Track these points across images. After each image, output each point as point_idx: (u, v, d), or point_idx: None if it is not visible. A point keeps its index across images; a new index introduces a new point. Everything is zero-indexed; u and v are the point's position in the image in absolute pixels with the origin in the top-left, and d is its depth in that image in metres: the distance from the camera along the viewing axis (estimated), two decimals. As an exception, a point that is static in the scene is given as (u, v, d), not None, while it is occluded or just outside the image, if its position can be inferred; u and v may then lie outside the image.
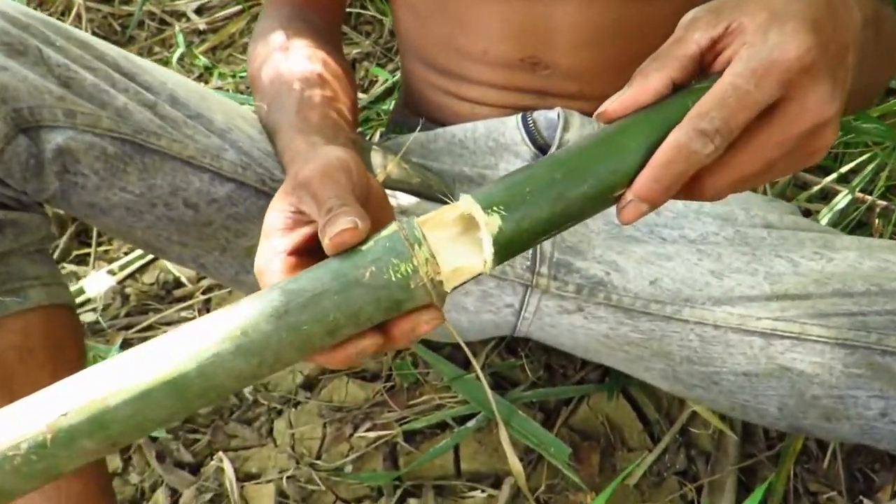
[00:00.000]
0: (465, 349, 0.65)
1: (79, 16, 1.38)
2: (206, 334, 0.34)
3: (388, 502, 0.72)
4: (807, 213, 0.86)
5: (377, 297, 0.34)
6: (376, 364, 0.83)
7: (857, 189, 0.84)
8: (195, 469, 0.77)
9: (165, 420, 0.35)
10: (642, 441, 0.75)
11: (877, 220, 0.83)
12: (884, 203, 0.84)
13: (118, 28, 1.41)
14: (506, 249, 0.35)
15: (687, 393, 0.63)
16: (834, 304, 0.54)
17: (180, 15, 1.41)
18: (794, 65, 0.33)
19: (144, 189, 0.53)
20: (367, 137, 1.04)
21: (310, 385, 0.83)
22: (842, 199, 0.82)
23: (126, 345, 0.87)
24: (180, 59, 1.30)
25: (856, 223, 0.83)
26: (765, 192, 0.87)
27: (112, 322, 0.90)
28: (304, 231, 0.40)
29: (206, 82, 1.25)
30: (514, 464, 0.68)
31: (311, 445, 0.77)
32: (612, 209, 0.37)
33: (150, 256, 0.97)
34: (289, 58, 0.61)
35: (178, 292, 0.94)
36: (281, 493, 0.73)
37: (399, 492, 0.72)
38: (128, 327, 0.90)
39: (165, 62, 1.30)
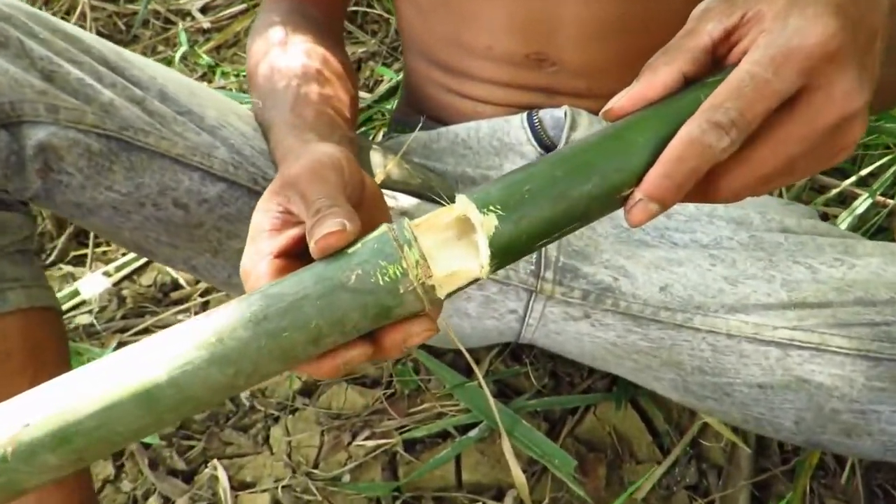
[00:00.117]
0: (467, 356, 0.62)
1: (83, 14, 1.37)
2: (180, 342, 0.32)
3: (386, 514, 0.70)
4: (824, 217, 0.83)
5: (363, 303, 0.32)
6: (376, 370, 0.81)
7: (878, 193, 0.81)
8: (189, 477, 0.75)
9: (135, 434, 0.32)
10: (651, 453, 0.73)
11: (898, 225, 0.80)
12: (905, 207, 0.81)
13: (123, 27, 1.40)
14: (504, 253, 0.33)
15: (698, 404, 0.61)
16: (856, 314, 0.52)
17: (185, 14, 1.40)
18: (817, 51, 0.30)
19: (132, 188, 0.51)
20: (371, 137, 1.02)
21: (308, 391, 0.81)
22: (862, 203, 0.79)
23: (121, 348, 0.85)
24: (183, 57, 1.28)
25: (876, 228, 0.81)
26: (780, 195, 0.84)
27: (107, 325, 0.88)
28: (293, 233, 0.38)
29: (210, 81, 1.24)
30: (518, 476, 0.66)
31: (308, 453, 0.75)
32: (621, 212, 0.34)
33: (148, 258, 0.95)
34: (286, 53, 0.59)
35: (175, 294, 0.92)
36: (276, 503, 0.71)
37: (398, 503, 0.70)
38: (123, 330, 0.88)
39: (169, 61, 1.29)
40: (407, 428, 0.75)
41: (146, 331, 0.88)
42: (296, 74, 0.57)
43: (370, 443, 0.74)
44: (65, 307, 0.90)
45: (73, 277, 0.96)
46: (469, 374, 0.76)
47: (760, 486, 0.70)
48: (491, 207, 0.32)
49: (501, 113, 0.65)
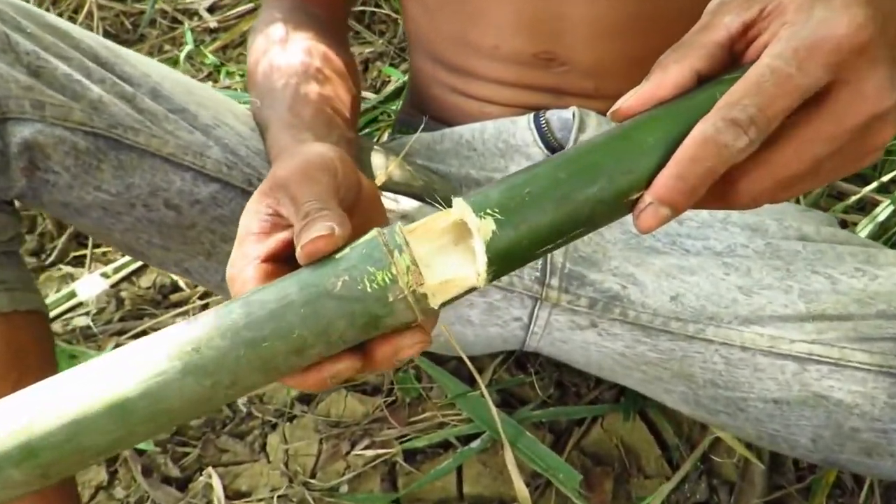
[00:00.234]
0: (469, 364, 0.60)
1: (90, 13, 1.36)
2: (156, 350, 0.30)
3: (384, 526, 0.68)
4: (844, 225, 0.80)
5: (350, 311, 0.30)
6: (377, 377, 0.79)
7: (900, 200, 0.78)
8: (183, 485, 0.73)
9: (108, 448, 0.30)
10: (660, 468, 0.71)
11: (921, 234, 0.77)
12: (928, 215, 0.78)
13: (130, 26, 1.40)
14: (503, 259, 0.30)
15: (710, 419, 0.58)
16: (878, 327, 0.49)
17: (192, 13, 1.39)
18: (845, 43, 0.28)
19: (121, 188, 0.50)
20: (375, 138, 1.00)
21: (307, 398, 0.79)
22: (883, 211, 0.76)
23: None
24: (189, 57, 1.27)
25: (898, 237, 0.77)
26: (797, 202, 0.82)
27: (105, 327, 0.87)
28: (282, 236, 0.35)
29: (215, 81, 1.23)
30: (520, 489, 0.64)
31: (305, 462, 0.73)
32: (630, 217, 0.32)
33: (148, 259, 0.94)
34: (286, 51, 0.58)
35: (174, 297, 0.91)
36: (271, 513, 0.69)
37: (397, 514, 0.69)
38: (121, 332, 0.86)
39: (175, 60, 1.27)
40: (407, 437, 0.73)
41: (144, 333, 0.86)
42: (295, 72, 0.55)
43: (369, 452, 0.72)
44: (62, 308, 0.89)
45: (73, 278, 0.94)
46: (472, 382, 0.74)
47: (774, 505, 0.67)
48: (489, 211, 0.30)
49: (508, 114, 0.63)
